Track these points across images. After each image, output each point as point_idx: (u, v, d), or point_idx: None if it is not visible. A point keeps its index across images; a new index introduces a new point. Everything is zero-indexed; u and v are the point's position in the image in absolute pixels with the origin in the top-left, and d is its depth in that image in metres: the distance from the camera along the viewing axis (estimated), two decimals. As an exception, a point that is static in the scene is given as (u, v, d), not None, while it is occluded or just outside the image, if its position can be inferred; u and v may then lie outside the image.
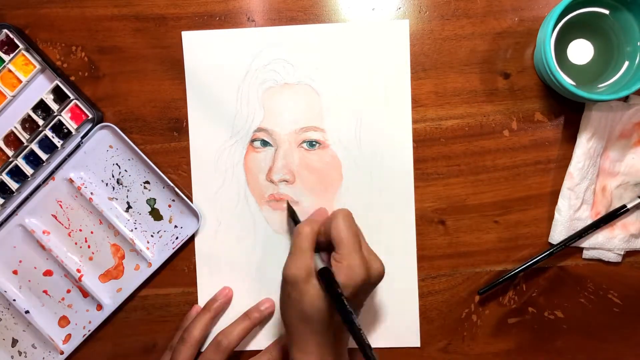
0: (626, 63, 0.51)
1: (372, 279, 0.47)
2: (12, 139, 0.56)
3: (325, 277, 0.46)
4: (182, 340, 0.54)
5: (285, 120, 0.56)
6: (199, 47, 0.56)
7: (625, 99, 0.54)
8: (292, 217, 0.55)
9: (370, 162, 0.56)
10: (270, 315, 0.57)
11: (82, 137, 0.56)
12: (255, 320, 0.55)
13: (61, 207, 0.58)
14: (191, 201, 0.56)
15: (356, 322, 0.43)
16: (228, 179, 0.56)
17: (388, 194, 0.56)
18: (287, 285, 0.47)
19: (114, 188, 0.58)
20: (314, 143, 0.56)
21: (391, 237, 0.56)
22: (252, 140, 0.56)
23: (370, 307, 0.56)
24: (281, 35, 0.55)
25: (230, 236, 0.57)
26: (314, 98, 0.56)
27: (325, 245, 0.49)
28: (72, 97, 0.55)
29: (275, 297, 0.56)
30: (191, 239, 0.57)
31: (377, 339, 0.56)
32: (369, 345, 0.42)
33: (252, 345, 0.57)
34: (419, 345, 0.56)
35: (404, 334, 0.56)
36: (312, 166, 0.56)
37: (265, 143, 0.56)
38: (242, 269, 0.57)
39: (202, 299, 0.57)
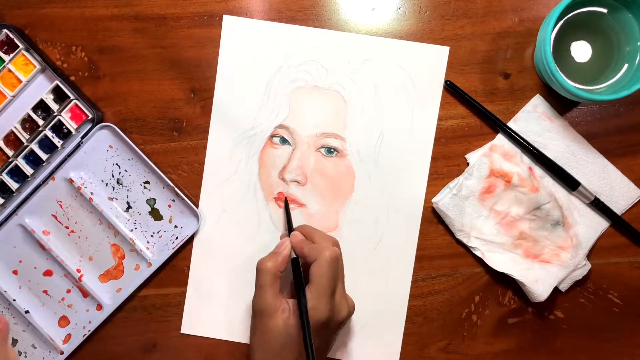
0: (626, 63, 0.51)
1: (334, 321, 0.48)
2: (12, 139, 0.56)
3: (302, 300, 0.47)
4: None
5: (309, 122, 0.56)
6: (238, 33, 0.56)
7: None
8: (287, 220, 0.54)
9: (384, 180, 0.55)
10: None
11: (82, 137, 0.56)
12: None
13: (61, 207, 0.58)
14: (192, 201, 0.56)
15: (306, 324, 0.45)
16: (241, 168, 0.56)
17: (395, 214, 0.56)
18: (254, 317, 0.49)
19: (114, 188, 0.58)
20: (332, 150, 0.56)
21: (389, 259, 0.56)
22: (272, 136, 0.56)
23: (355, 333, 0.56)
24: (320, 38, 0.55)
25: (231, 225, 0.57)
26: (341, 106, 0.55)
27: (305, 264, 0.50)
28: (72, 97, 0.55)
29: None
30: (191, 238, 0.57)
31: (357, 355, 0.56)
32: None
33: (229, 336, 0.57)
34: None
35: (384, 353, 0.56)
36: (326, 172, 0.56)
37: (284, 140, 0.56)
38: (237, 259, 0.57)
39: (193, 278, 0.57)
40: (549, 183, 0.54)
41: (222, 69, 0.56)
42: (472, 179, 0.54)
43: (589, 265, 0.54)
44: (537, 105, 0.54)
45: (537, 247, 0.54)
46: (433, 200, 0.55)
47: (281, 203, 0.56)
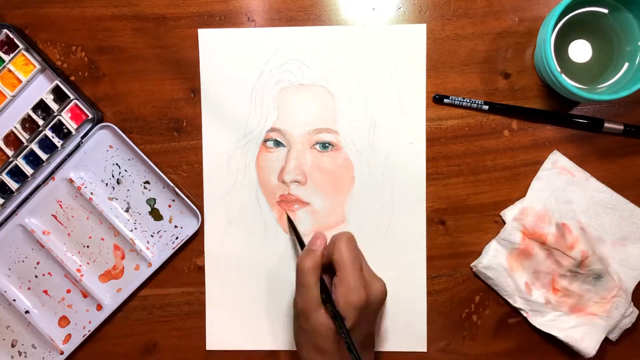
0: (626, 63, 0.51)
1: (373, 300, 0.49)
2: (12, 139, 0.56)
3: (329, 306, 0.47)
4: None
5: (299, 121, 0.56)
6: (215, 45, 0.56)
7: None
8: (295, 234, 0.55)
9: (383, 165, 0.56)
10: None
11: (82, 137, 0.56)
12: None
13: (61, 207, 0.58)
14: (192, 201, 0.56)
15: (353, 350, 0.45)
16: (240, 178, 0.56)
17: (399, 197, 0.56)
18: (299, 318, 0.49)
19: (114, 188, 0.58)
20: (326, 145, 0.56)
21: (401, 239, 0.56)
22: (265, 140, 0.56)
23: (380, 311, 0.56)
24: (297, 36, 0.55)
25: (240, 236, 0.57)
26: (329, 100, 0.56)
27: (327, 266, 0.50)
28: (72, 97, 0.55)
29: (285, 297, 0.57)
30: (191, 238, 0.57)
31: (384, 342, 0.56)
32: None
33: (257, 346, 0.57)
34: (425, 350, 0.56)
35: (411, 337, 0.56)
36: (324, 168, 0.56)
37: (278, 143, 0.56)
38: (252, 269, 0.57)
39: (210, 298, 0.57)
40: (588, 236, 0.53)
41: (205, 84, 0.56)
42: (506, 242, 0.54)
43: (636, 312, 0.54)
44: (555, 161, 0.54)
45: (582, 302, 0.53)
46: (473, 263, 0.55)
47: (285, 204, 0.56)
